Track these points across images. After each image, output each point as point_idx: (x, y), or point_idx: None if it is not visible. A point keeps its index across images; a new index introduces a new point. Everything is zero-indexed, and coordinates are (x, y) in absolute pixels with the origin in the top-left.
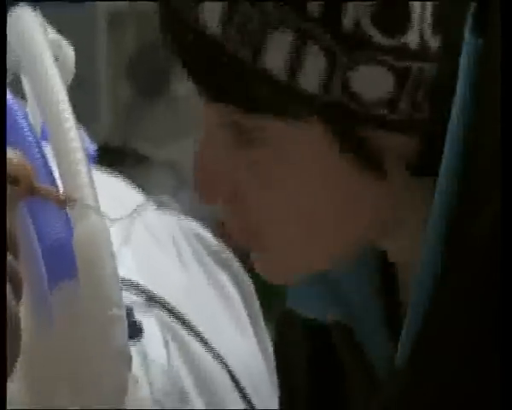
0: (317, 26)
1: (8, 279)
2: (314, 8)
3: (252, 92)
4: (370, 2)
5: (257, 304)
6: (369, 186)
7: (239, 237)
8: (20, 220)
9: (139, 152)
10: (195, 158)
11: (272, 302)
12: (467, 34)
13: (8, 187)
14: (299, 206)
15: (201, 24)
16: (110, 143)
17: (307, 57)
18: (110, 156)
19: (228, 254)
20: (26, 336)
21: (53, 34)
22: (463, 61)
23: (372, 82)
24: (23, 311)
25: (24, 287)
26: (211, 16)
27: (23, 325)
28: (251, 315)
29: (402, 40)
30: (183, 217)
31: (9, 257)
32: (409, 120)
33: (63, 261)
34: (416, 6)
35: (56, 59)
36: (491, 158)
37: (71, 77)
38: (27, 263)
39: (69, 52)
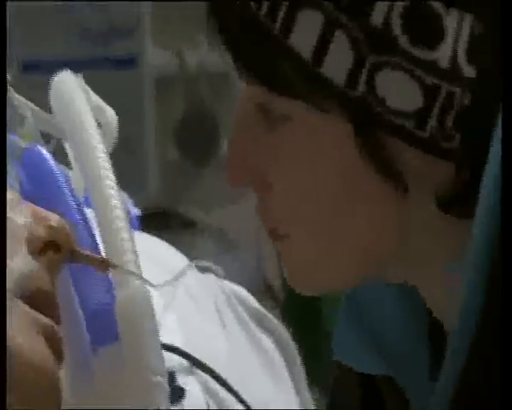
0: (346, 15)
1: (48, 343)
2: None
3: (279, 71)
4: (403, 4)
5: (300, 368)
6: (391, 200)
7: (267, 223)
8: (62, 285)
9: (186, 217)
10: (228, 141)
11: (319, 366)
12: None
13: (50, 253)
14: (319, 199)
15: None
16: (157, 208)
17: (335, 45)
18: (157, 221)
19: (271, 318)
20: (67, 398)
21: (96, 99)
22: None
23: (399, 91)
24: (65, 373)
25: (66, 350)
26: None
27: (64, 386)
28: (294, 379)
29: (432, 55)
30: (225, 281)
31: (50, 321)
32: (437, 143)
33: (106, 326)
34: (452, 25)
35: (99, 125)
36: None
37: (113, 142)
38: (69, 327)
39: (112, 118)
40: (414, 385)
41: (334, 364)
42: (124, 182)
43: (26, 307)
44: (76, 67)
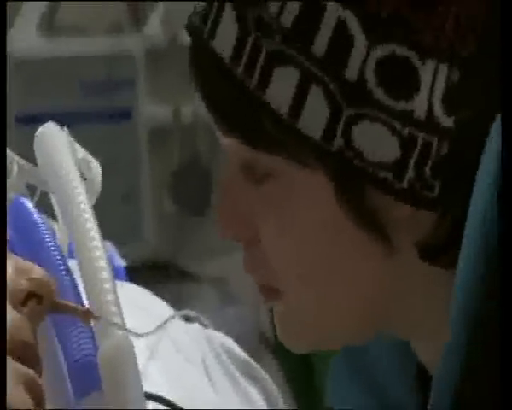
0: (321, 70)
1: (29, 394)
2: (319, 48)
3: (257, 126)
4: (377, 57)
5: None
6: (376, 254)
7: (256, 278)
8: (45, 335)
9: (184, 268)
10: (218, 194)
11: None
12: (495, 141)
13: (32, 304)
14: (305, 254)
15: (215, 51)
16: (154, 260)
17: (311, 100)
18: (155, 273)
19: (257, 368)
20: None
21: (81, 152)
22: (488, 163)
23: (377, 143)
24: None
25: (48, 400)
26: (224, 43)
27: None
28: None
29: (407, 106)
30: (211, 331)
31: (31, 372)
32: (416, 193)
33: (89, 376)
34: (427, 75)
35: (84, 178)
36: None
37: (98, 195)
38: (52, 377)
39: (96, 170)
40: None
41: None
42: (120, 234)
43: (8, 358)
44: (71, 119)
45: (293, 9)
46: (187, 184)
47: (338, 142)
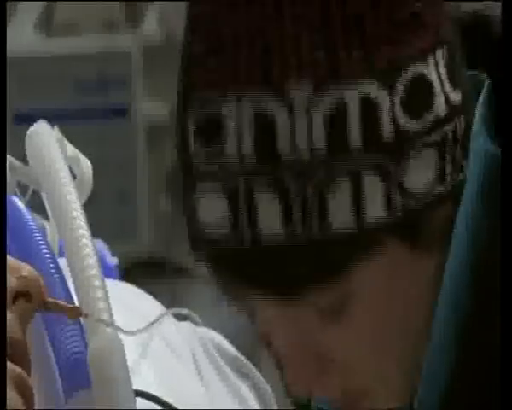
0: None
1: (18, 392)
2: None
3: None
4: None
5: None
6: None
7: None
8: (36, 333)
9: (180, 265)
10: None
11: None
12: (483, 138)
13: (21, 302)
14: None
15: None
16: (151, 258)
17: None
18: (151, 270)
19: (249, 365)
20: None
21: (72, 151)
22: (477, 163)
23: (424, 173)
24: None
25: (37, 398)
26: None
27: None
28: None
29: (432, 117)
30: (203, 328)
31: (21, 370)
32: (452, 186)
33: (79, 373)
34: (432, 71)
35: (74, 176)
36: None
37: (88, 193)
38: (42, 374)
39: (87, 168)
40: None
41: None
42: (116, 230)
43: None
44: (66, 117)
45: None
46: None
47: (394, 208)
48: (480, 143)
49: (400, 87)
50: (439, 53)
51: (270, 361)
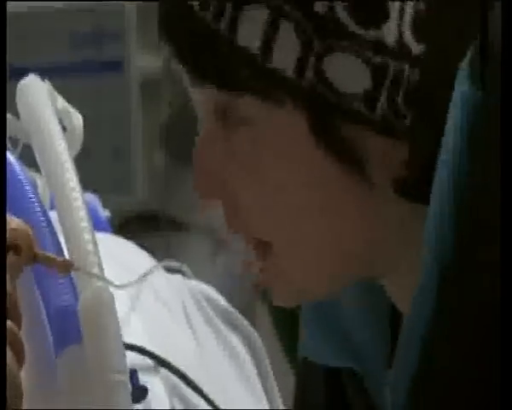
0: (290, 5)
1: (9, 345)
2: None
3: (230, 69)
4: None
5: (268, 364)
6: (354, 192)
7: (242, 233)
8: (25, 287)
9: (175, 219)
10: (194, 154)
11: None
12: (465, 83)
13: (11, 254)
14: (284, 197)
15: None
16: (146, 211)
17: (281, 36)
18: (146, 224)
19: (240, 317)
20: (29, 401)
21: (62, 104)
22: (458, 109)
23: (348, 73)
24: (27, 375)
25: (28, 352)
26: None
27: (27, 387)
28: (261, 375)
29: (378, 34)
30: (193, 281)
31: (10, 323)
32: (389, 123)
33: (69, 327)
34: (395, 4)
35: (64, 129)
36: (489, 214)
37: (79, 146)
38: (33, 328)
39: (78, 122)
40: (373, 374)
41: (300, 360)
42: (111, 185)
43: None
44: (62, 70)
45: None
46: (178, 135)
47: (309, 75)
48: (464, 91)
49: None
50: None
51: (266, 319)
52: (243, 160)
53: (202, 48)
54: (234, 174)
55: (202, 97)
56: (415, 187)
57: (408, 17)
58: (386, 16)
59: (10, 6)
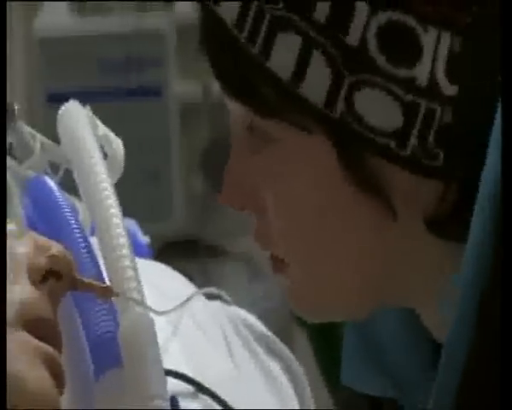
0: (322, 35)
1: (49, 371)
2: (320, 14)
3: (260, 93)
4: (379, 23)
5: (309, 392)
6: (378, 224)
7: (265, 248)
8: (66, 312)
9: (213, 245)
10: (228, 164)
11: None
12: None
13: (52, 281)
14: (308, 222)
15: (220, 18)
16: (184, 237)
17: (313, 66)
18: (184, 250)
19: (281, 345)
20: None
21: (103, 130)
22: (498, 136)
23: (378, 109)
24: (66, 401)
25: (68, 377)
26: (228, 10)
27: None
28: (302, 402)
29: (409, 73)
30: (232, 307)
31: (51, 349)
32: (419, 162)
33: (110, 352)
34: (429, 43)
35: (105, 155)
36: None
37: (120, 173)
38: (73, 353)
39: (118, 147)
40: (414, 403)
41: (343, 388)
42: (150, 211)
43: (28, 336)
44: (102, 96)
45: None
46: (216, 161)
47: (340, 107)
48: (498, 132)
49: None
50: (446, 36)
51: (304, 342)
52: (268, 176)
53: (234, 68)
54: (260, 189)
55: (234, 110)
56: (446, 225)
57: (441, 57)
58: (419, 56)
59: (49, 31)
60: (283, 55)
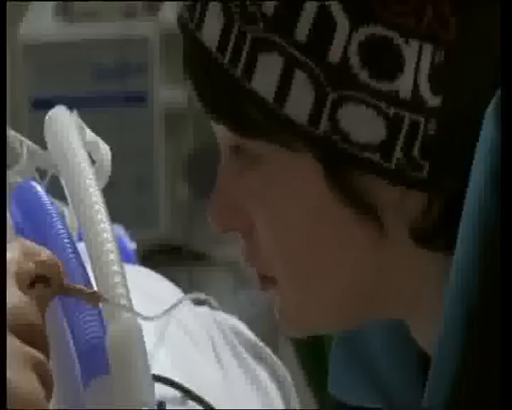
0: (304, 54)
1: (37, 376)
2: (301, 33)
3: (244, 114)
4: (360, 38)
5: (295, 399)
6: (366, 239)
7: (253, 267)
8: (53, 318)
9: (199, 252)
10: (215, 184)
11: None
12: (491, 129)
13: (40, 286)
14: (296, 239)
15: (202, 42)
16: (170, 244)
17: (296, 85)
18: (170, 256)
19: (268, 351)
20: None
21: (90, 136)
22: (484, 150)
23: (363, 124)
24: (55, 406)
25: (56, 383)
26: (210, 34)
27: None
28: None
29: (392, 86)
30: (220, 313)
31: (40, 354)
32: (404, 174)
33: (97, 358)
34: (411, 55)
35: (93, 161)
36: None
37: (107, 179)
38: (60, 360)
39: (106, 153)
40: None
41: (330, 399)
42: (134, 217)
43: (16, 341)
44: (85, 103)
45: None
46: (201, 167)
47: (324, 125)
48: (489, 130)
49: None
50: (427, 47)
51: (289, 348)
52: (256, 197)
53: (217, 90)
54: (248, 210)
55: (219, 132)
56: (431, 236)
57: (424, 70)
58: (400, 68)
59: (35, 37)
60: (266, 75)
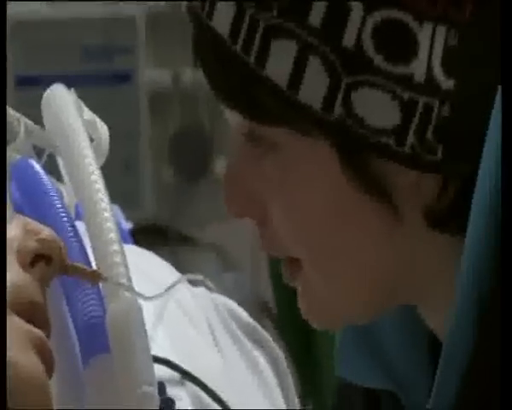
0: (318, 39)
1: (38, 354)
2: (315, 19)
3: (258, 101)
4: (374, 22)
5: (291, 382)
6: (383, 223)
7: (277, 254)
8: (54, 297)
9: (183, 233)
10: (226, 171)
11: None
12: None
13: (41, 265)
14: (311, 223)
15: (214, 30)
16: (153, 224)
17: (310, 70)
18: (154, 237)
19: (263, 332)
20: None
21: (88, 114)
22: (495, 132)
23: (377, 108)
24: (55, 385)
25: (57, 361)
26: (222, 21)
27: (55, 397)
28: (285, 393)
29: (406, 70)
30: (217, 294)
31: (41, 333)
32: (419, 158)
33: (98, 337)
34: (425, 38)
35: (91, 139)
36: None
37: (105, 157)
38: (61, 338)
39: (104, 132)
40: (415, 401)
41: (337, 380)
42: (119, 198)
43: (19, 320)
44: (70, 81)
45: None
46: (186, 149)
47: (338, 110)
48: (497, 120)
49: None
50: (441, 30)
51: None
52: (273, 184)
53: (230, 78)
54: (264, 196)
55: (232, 118)
56: (446, 219)
57: (438, 52)
58: (414, 52)
59: (21, 15)
60: (279, 62)
